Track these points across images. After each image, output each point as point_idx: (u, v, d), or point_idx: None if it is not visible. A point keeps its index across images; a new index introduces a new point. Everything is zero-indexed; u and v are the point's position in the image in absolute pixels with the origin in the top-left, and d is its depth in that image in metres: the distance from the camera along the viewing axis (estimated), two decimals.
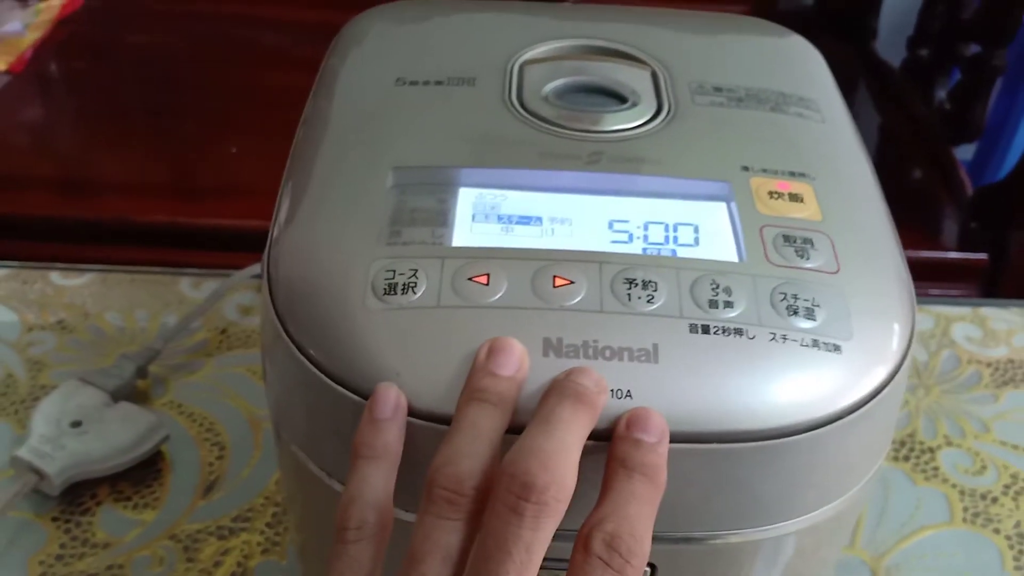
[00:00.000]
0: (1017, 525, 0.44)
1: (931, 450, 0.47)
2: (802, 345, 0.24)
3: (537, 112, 0.30)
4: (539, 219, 0.27)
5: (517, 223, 0.27)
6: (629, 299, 0.24)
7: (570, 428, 0.21)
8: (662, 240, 0.27)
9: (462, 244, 0.25)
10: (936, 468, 0.46)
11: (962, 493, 0.45)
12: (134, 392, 0.47)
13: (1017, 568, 0.42)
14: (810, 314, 0.24)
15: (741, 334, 0.24)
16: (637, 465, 0.21)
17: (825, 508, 0.25)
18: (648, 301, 0.24)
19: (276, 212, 0.28)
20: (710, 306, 0.24)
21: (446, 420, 0.23)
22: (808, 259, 0.26)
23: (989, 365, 0.52)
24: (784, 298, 0.25)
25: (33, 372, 0.49)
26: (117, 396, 0.46)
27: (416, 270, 0.24)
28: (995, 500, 0.45)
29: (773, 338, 0.24)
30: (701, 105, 0.31)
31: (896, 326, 0.25)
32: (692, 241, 0.27)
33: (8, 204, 0.72)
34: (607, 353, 0.23)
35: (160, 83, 0.85)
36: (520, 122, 0.29)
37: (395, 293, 0.24)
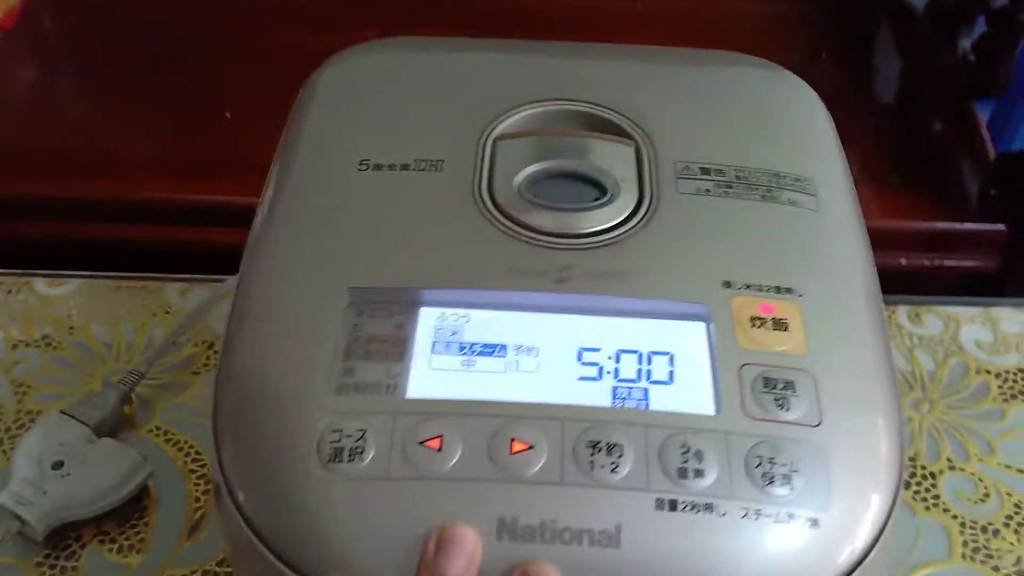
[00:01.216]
0: (1018, 562, 0.43)
1: (933, 475, 0.46)
2: (776, 521, 0.22)
3: (507, 211, 0.27)
4: (503, 347, 0.25)
5: (480, 354, 0.25)
6: (592, 467, 0.23)
7: None
8: (634, 376, 0.25)
9: (416, 394, 0.24)
10: (937, 496, 0.45)
11: (963, 525, 0.44)
12: (119, 421, 0.46)
13: None
14: (787, 481, 0.23)
15: (711, 510, 0.22)
16: None
17: None
18: (612, 470, 0.23)
19: (226, 330, 0.26)
20: (679, 475, 0.23)
21: None
22: (788, 409, 0.24)
23: (998, 376, 0.51)
24: (760, 463, 0.23)
25: (19, 396, 0.48)
26: (100, 430, 0.45)
27: (364, 431, 0.23)
28: (996, 533, 0.44)
29: (746, 514, 0.22)
30: (686, 193, 0.28)
31: (879, 492, 0.23)
32: (666, 377, 0.25)
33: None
34: (566, 536, 0.22)
35: (160, 38, 0.80)
36: (489, 223, 0.27)
37: (341, 460, 0.22)
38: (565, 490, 0.22)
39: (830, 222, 0.29)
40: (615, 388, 0.25)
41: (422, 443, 0.23)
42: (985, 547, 0.43)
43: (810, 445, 0.23)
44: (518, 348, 0.25)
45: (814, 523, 0.22)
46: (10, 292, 0.53)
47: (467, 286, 0.25)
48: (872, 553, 0.23)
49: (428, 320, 0.25)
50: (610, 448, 0.23)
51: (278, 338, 0.25)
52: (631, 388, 0.25)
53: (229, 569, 0.42)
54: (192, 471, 0.45)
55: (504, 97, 0.31)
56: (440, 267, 0.26)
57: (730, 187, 0.29)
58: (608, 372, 0.25)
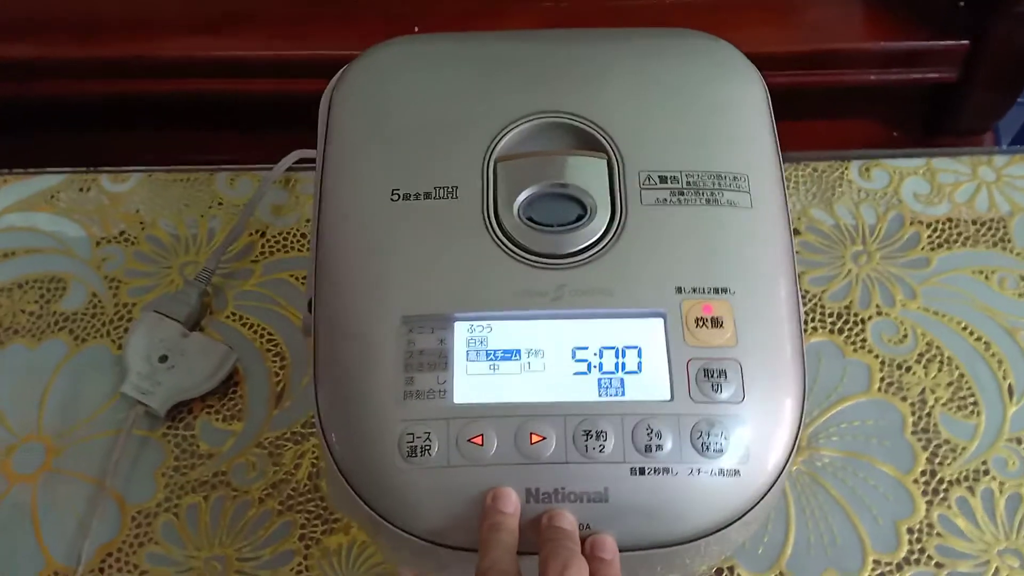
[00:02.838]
0: (922, 392, 0.55)
1: (863, 321, 0.57)
2: (712, 475, 0.34)
3: (512, 236, 0.36)
4: (519, 352, 0.35)
5: (501, 359, 0.35)
6: (587, 449, 0.34)
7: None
8: (613, 368, 0.35)
9: (461, 399, 0.34)
10: (864, 340, 0.56)
11: (882, 363, 0.56)
12: (201, 313, 0.57)
13: (914, 432, 0.54)
14: (719, 447, 0.34)
15: (668, 472, 0.34)
16: (601, 574, 0.32)
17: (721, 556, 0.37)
18: (600, 451, 0.34)
19: (313, 346, 0.36)
20: (646, 450, 0.34)
21: (461, 547, 0.34)
22: (721, 392, 0.34)
23: (929, 226, 0.60)
24: (700, 435, 0.34)
25: (113, 290, 0.59)
26: (188, 323, 0.56)
27: (429, 433, 0.34)
28: (908, 369, 0.55)
29: (691, 472, 0.34)
30: (648, 205, 0.37)
31: (782, 447, 0.34)
32: (636, 368, 0.35)
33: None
34: (571, 497, 0.33)
35: None
36: (498, 248, 0.36)
37: (416, 455, 0.33)
38: (569, 467, 0.34)
39: (761, 219, 0.37)
40: (600, 380, 0.35)
41: (469, 440, 0.34)
42: (898, 382, 0.55)
43: (736, 418, 0.34)
44: (529, 351, 0.35)
45: (736, 473, 0.34)
46: (81, 190, 0.62)
47: (489, 308, 0.35)
48: (773, 487, 0.34)
49: (461, 332, 0.35)
50: (598, 434, 0.34)
51: (354, 356, 0.35)
52: (611, 379, 0.35)
53: (312, 430, 0.54)
54: (268, 351, 0.56)
55: (497, 113, 0.39)
56: (467, 293, 0.35)
57: (682, 194, 0.38)
58: (595, 367, 0.35)
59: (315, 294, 0.37)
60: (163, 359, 0.54)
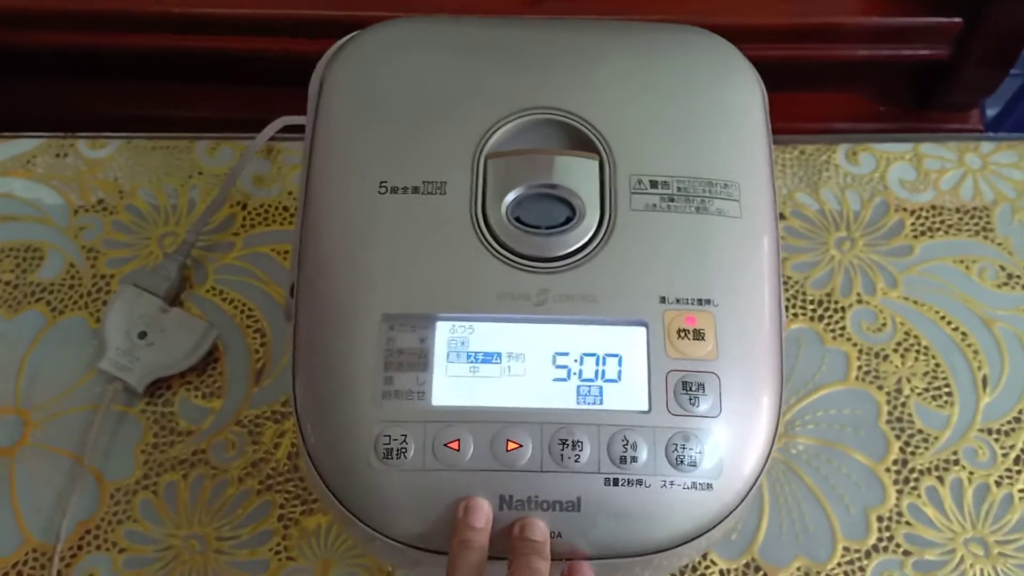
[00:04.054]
0: (898, 382, 0.55)
1: (843, 309, 0.57)
2: (684, 488, 0.34)
3: (498, 237, 0.36)
4: (499, 355, 0.35)
5: (482, 361, 0.35)
6: (562, 459, 0.34)
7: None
8: (593, 376, 0.35)
9: (439, 402, 0.34)
10: (844, 328, 0.57)
11: (860, 352, 0.56)
12: (181, 286, 0.57)
13: (888, 422, 0.54)
14: (693, 462, 0.34)
15: (641, 484, 0.34)
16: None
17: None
18: (575, 460, 0.34)
19: (294, 339, 0.36)
20: (620, 461, 0.34)
21: (432, 550, 0.34)
22: (698, 405, 0.35)
23: (913, 212, 0.60)
24: (675, 448, 0.34)
25: (91, 261, 0.58)
26: (168, 298, 0.56)
27: (406, 435, 0.34)
28: (886, 358, 0.56)
29: (664, 485, 0.34)
30: (637, 210, 0.37)
31: (754, 462, 0.35)
32: (616, 376, 0.35)
33: None
34: (544, 505, 0.34)
35: None
36: (484, 248, 0.36)
37: (392, 458, 0.34)
38: (544, 475, 0.34)
39: (749, 229, 0.37)
40: (579, 387, 0.35)
41: (446, 445, 0.34)
42: (875, 371, 0.56)
43: (710, 433, 0.34)
44: (509, 355, 0.35)
45: (709, 487, 0.34)
46: (58, 155, 0.61)
47: (472, 309, 0.35)
48: (745, 500, 0.35)
49: (443, 332, 0.35)
50: (574, 444, 0.34)
51: (334, 350, 0.35)
52: (590, 386, 0.35)
53: (291, 410, 0.54)
54: (248, 327, 0.56)
55: (490, 107, 0.38)
56: (450, 294, 0.35)
57: (672, 200, 0.37)
58: (575, 373, 0.35)
59: (298, 282, 0.36)
60: (142, 335, 0.54)
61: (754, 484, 0.35)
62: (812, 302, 0.57)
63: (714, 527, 0.34)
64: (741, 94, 0.40)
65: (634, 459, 0.34)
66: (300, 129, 0.43)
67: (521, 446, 0.34)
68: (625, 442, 0.34)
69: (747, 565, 0.50)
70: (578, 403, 0.35)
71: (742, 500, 0.34)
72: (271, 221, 0.59)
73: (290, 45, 0.71)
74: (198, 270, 0.58)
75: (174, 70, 0.74)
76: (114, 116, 0.73)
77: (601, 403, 0.35)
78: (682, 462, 0.34)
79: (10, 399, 0.53)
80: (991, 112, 0.89)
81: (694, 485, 0.34)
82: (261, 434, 0.53)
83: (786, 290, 0.56)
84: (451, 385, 0.35)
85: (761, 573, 0.50)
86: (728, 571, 0.50)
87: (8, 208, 0.59)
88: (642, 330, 0.35)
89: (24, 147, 0.61)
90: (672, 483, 0.34)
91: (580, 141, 0.38)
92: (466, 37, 0.40)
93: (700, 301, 0.35)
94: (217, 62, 0.72)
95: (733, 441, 0.34)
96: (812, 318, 0.56)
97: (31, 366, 0.54)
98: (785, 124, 0.76)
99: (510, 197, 0.37)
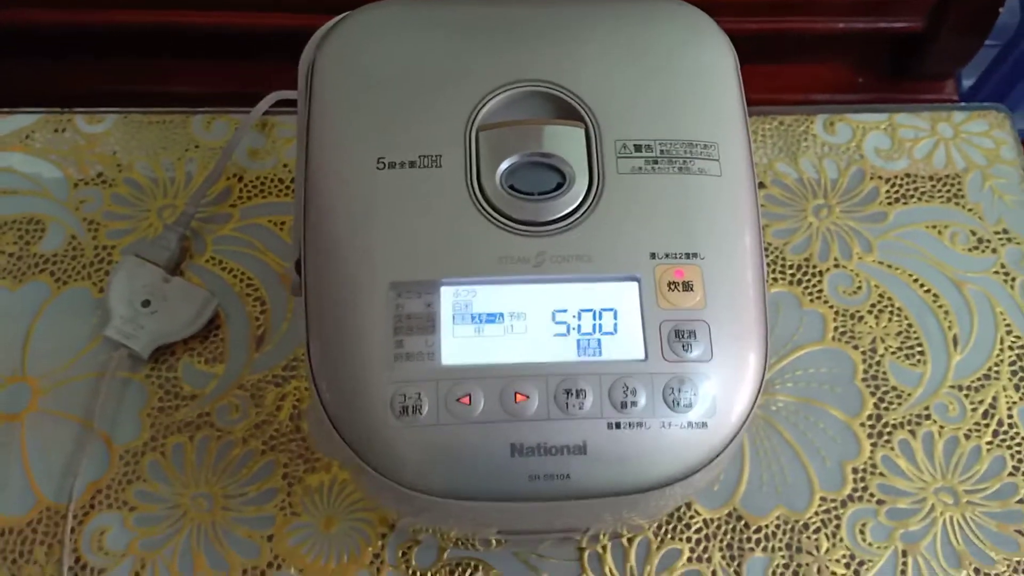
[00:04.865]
0: (873, 341, 0.58)
1: (820, 273, 0.60)
2: (681, 428, 0.36)
3: (495, 204, 0.38)
4: (501, 315, 0.38)
5: (485, 322, 0.37)
6: (567, 407, 0.36)
7: None
8: (591, 330, 0.37)
9: (449, 361, 0.36)
10: (821, 291, 0.59)
11: (836, 313, 0.59)
12: (181, 257, 0.58)
13: (864, 379, 0.57)
14: (688, 404, 0.36)
15: (641, 426, 0.36)
16: None
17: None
18: (579, 408, 0.36)
19: (305, 310, 0.38)
20: (621, 406, 0.36)
21: (447, 496, 0.36)
22: (691, 351, 0.37)
23: (888, 180, 0.63)
24: (671, 392, 0.36)
25: (92, 233, 0.59)
26: (169, 267, 0.57)
27: (419, 393, 0.36)
28: (861, 319, 0.59)
29: (662, 426, 0.36)
30: (624, 173, 0.39)
31: (745, 400, 0.37)
32: (612, 329, 0.37)
33: None
34: (552, 451, 0.36)
35: None
36: (482, 216, 0.38)
37: (407, 414, 0.36)
38: (551, 423, 0.36)
39: (728, 185, 0.39)
40: (579, 341, 0.37)
41: (458, 400, 0.36)
42: (851, 331, 0.58)
43: (704, 376, 0.37)
44: (511, 315, 0.37)
45: (703, 425, 0.37)
46: (56, 131, 0.62)
47: (473, 274, 0.37)
48: (736, 437, 0.37)
49: (448, 297, 0.37)
50: (578, 392, 0.36)
51: (345, 320, 0.37)
52: (589, 339, 0.37)
53: (292, 372, 0.56)
54: (248, 295, 0.58)
55: (479, 81, 0.40)
56: (452, 260, 0.37)
57: (656, 162, 0.39)
58: (574, 328, 0.37)
59: (304, 259, 0.38)
60: (145, 304, 0.55)
61: (745, 423, 0.37)
62: (791, 267, 0.59)
63: (709, 463, 0.36)
64: (715, 60, 0.42)
65: (634, 404, 0.36)
66: (293, 103, 0.44)
67: (528, 397, 0.36)
68: (625, 388, 0.36)
69: (729, 515, 0.53)
70: (579, 355, 0.37)
71: (734, 437, 0.37)
72: (267, 193, 0.61)
73: (282, 20, 0.72)
74: (197, 241, 0.59)
75: (166, 46, 0.75)
76: (107, 92, 0.74)
77: (600, 354, 0.37)
78: (678, 404, 0.36)
79: (17, 367, 0.55)
80: (967, 83, 0.91)
81: (690, 425, 0.36)
82: (263, 397, 0.55)
83: (766, 255, 0.59)
84: (458, 345, 0.37)
85: (743, 522, 0.53)
86: (712, 520, 0.53)
87: (8, 182, 0.60)
88: (634, 284, 0.37)
89: (22, 122, 0.62)
90: (670, 424, 0.36)
91: (566, 110, 0.40)
92: (453, 16, 0.42)
93: (687, 255, 0.38)
94: (209, 38, 0.73)
95: (724, 383, 0.37)
96: (791, 282, 0.59)
97: (37, 335, 0.56)
98: (765, 95, 0.79)
99: (503, 166, 0.39)
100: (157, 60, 0.76)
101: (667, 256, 0.38)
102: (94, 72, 0.75)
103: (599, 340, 0.37)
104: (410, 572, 0.51)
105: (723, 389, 0.37)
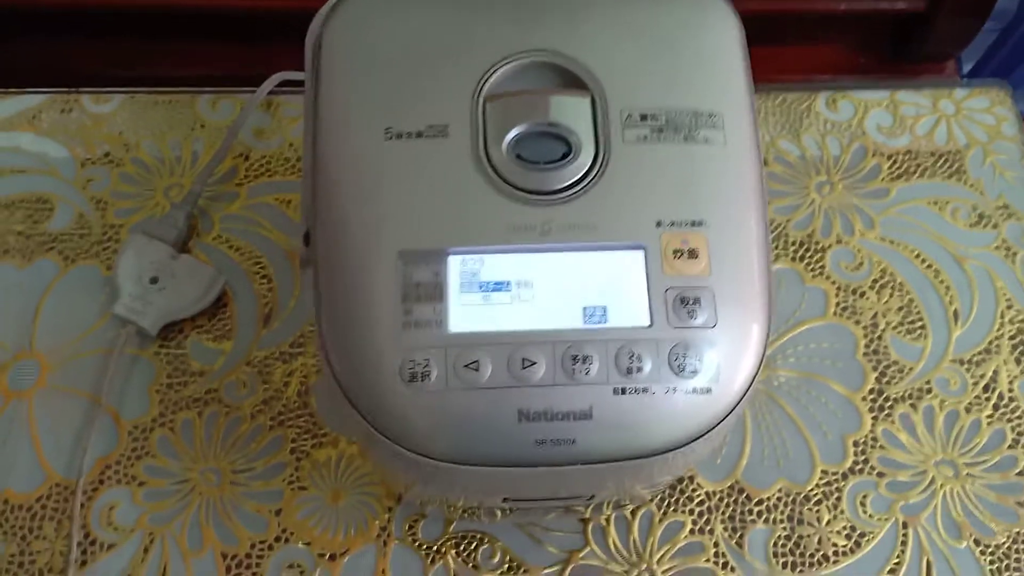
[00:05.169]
0: (874, 316, 0.58)
1: (823, 249, 0.60)
2: (686, 393, 0.37)
3: (503, 174, 0.38)
4: (508, 284, 0.38)
5: (492, 290, 0.38)
6: (573, 373, 0.37)
7: None
8: (597, 297, 0.38)
9: (457, 328, 0.37)
10: (823, 267, 0.60)
11: (839, 289, 0.59)
12: (189, 234, 0.59)
13: (865, 354, 0.57)
14: (693, 369, 0.37)
15: (647, 391, 0.37)
16: None
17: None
18: (586, 373, 0.36)
19: (314, 281, 0.38)
20: (627, 372, 0.37)
21: (458, 462, 0.37)
22: (695, 318, 0.37)
23: (890, 157, 0.63)
24: (677, 358, 0.37)
25: (100, 211, 0.60)
26: (177, 245, 0.58)
27: (428, 359, 0.36)
28: (863, 295, 0.59)
29: (668, 391, 0.37)
30: (629, 143, 0.39)
31: (749, 367, 0.38)
32: (618, 296, 0.38)
33: None
34: (559, 416, 0.36)
35: None
36: (489, 185, 0.38)
37: (416, 380, 0.36)
38: (558, 388, 0.36)
39: (733, 155, 0.40)
40: (585, 308, 0.38)
41: (466, 366, 0.36)
42: (852, 307, 0.59)
43: (708, 341, 0.37)
44: (519, 283, 0.38)
45: (708, 391, 0.37)
46: (63, 111, 0.62)
47: (481, 242, 0.38)
48: (741, 402, 0.38)
49: (455, 265, 0.38)
50: (584, 359, 0.37)
51: (355, 288, 0.37)
52: (595, 307, 0.38)
53: (300, 349, 0.57)
54: (255, 273, 0.58)
55: (485, 53, 0.40)
56: (460, 228, 0.38)
57: (661, 131, 0.40)
58: (580, 296, 0.38)
59: (315, 228, 0.39)
60: (153, 281, 0.56)
61: (749, 389, 0.38)
62: (794, 243, 0.60)
63: (713, 428, 0.37)
64: (720, 31, 0.42)
65: (639, 369, 0.37)
66: (297, 84, 0.45)
67: (535, 363, 0.36)
68: (631, 354, 0.37)
69: (731, 487, 0.53)
70: (585, 323, 0.37)
71: (738, 403, 0.37)
72: (273, 172, 0.61)
73: (285, 2, 0.73)
74: (204, 219, 0.59)
75: (170, 28, 0.75)
76: (111, 75, 0.75)
77: (606, 321, 0.37)
78: (683, 370, 0.37)
79: (26, 344, 0.55)
80: (967, 66, 0.92)
81: (695, 390, 0.37)
82: (271, 374, 0.55)
83: (769, 231, 0.59)
84: (466, 313, 0.37)
85: (744, 494, 0.53)
86: (714, 493, 0.53)
87: (16, 161, 0.61)
88: (640, 253, 0.38)
89: (29, 103, 0.62)
90: (675, 389, 0.37)
91: (572, 80, 0.40)
92: None
93: (692, 223, 0.38)
94: (213, 19, 0.73)
95: (728, 349, 0.37)
96: (793, 258, 0.59)
97: (46, 312, 0.56)
98: (768, 76, 0.79)
99: (510, 136, 0.39)
100: (162, 42, 0.76)
101: (672, 224, 0.38)
102: (99, 54, 0.76)
103: (605, 307, 0.38)
104: (416, 545, 0.51)
105: (727, 355, 0.37)
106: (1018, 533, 0.52)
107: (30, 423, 0.53)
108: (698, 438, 0.37)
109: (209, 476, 0.52)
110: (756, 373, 0.38)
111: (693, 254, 0.38)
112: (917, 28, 0.83)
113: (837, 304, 0.58)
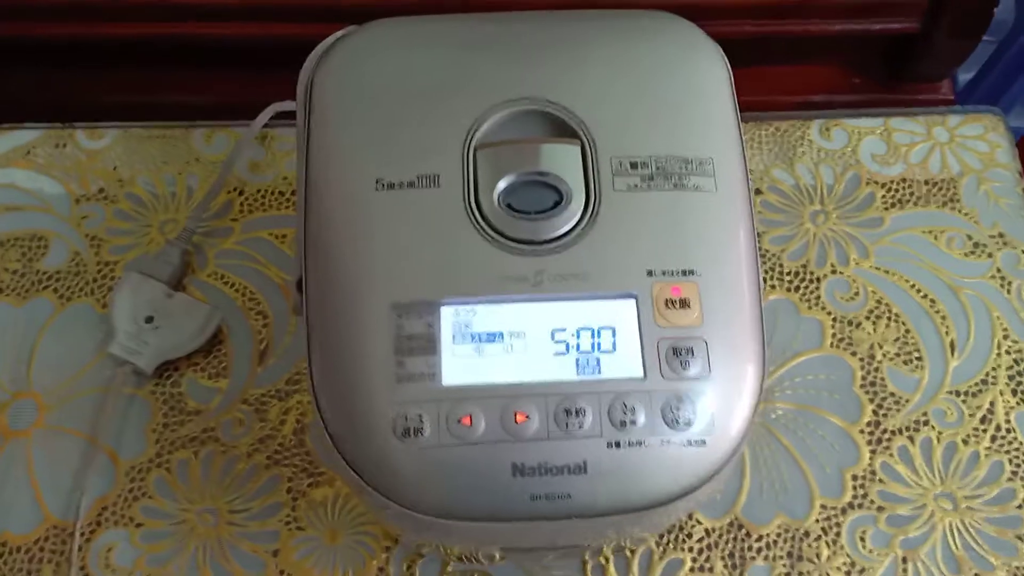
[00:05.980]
0: (871, 348, 0.58)
1: (818, 279, 0.60)
2: (681, 446, 0.37)
3: (493, 224, 0.38)
4: (501, 335, 0.38)
5: (485, 341, 0.38)
6: (567, 427, 0.37)
7: None
8: (590, 348, 0.38)
9: (450, 382, 0.37)
10: (819, 297, 0.60)
11: (835, 320, 0.59)
12: (184, 272, 0.59)
13: (862, 386, 0.57)
14: (687, 421, 0.37)
15: (641, 444, 0.37)
16: None
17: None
18: (579, 427, 0.37)
19: (307, 331, 0.38)
20: (621, 425, 0.37)
21: (450, 517, 0.37)
22: (688, 368, 0.37)
23: (884, 186, 0.63)
24: (670, 410, 0.37)
25: (95, 248, 0.60)
26: (172, 283, 0.58)
27: (421, 415, 0.36)
28: (859, 325, 0.59)
29: (661, 444, 0.37)
30: (620, 191, 0.39)
31: (744, 416, 0.38)
32: (611, 347, 0.38)
33: None
34: (553, 470, 0.36)
35: None
36: (480, 235, 0.38)
37: (409, 436, 0.36)
38: (551, 442, 0.36)
39: (724, 201, 0.40)
40: (578, 359, 0.38)
41: (459, 421, 0.36)
42: (849, 337, 0.59)
43: (702, 393, 0.37)
44: (511, 334, 0.38)
45: (703, 443, 0.37)
46: (57, 146, 0.62)
47: (473, 293, 0.38)
48: (735, 453, 0.38)
49: (448, 316, 0.38)
50: (577, 412, 0.37)
51: (347, 340, 0.37)
52: (588, 358, 0.38)
53: (295, 387, 0.57)
54: (250, 309, 0.58)
55: (476, 100, 0.41)
56: (452, 280, 0.38)
57: (651, 179, 0.40)
58: (572, 347, 0.38)
59: (305, 279, 0.39)
60: (149, 320, 0.56)
61: (743, 438, 0.38)
62: (788, 273, 0.60)
63: (709, 479, 0.37)
64: (708, 74, 0.42)
65: (633, 422, 0.37)
66: (292, 115, 0.45)
67: (528, 417, 0.36)
68: (624, 407, 0.37)
69: (731, 524, 0.53)
70: (578, 374, 0.37)
71: (733, 453, 0.37)
72: (268, 206, 0.61)
73: (279, 30, 0.73)
74: (199, 255, 0.59)
75: (164, 57, 0.75)
76: (105, 104, 0.75)
77: (599, 373, 0.37)
78: (677, 422, 0.37)
79: (23, 383, 0.55)
80: (965, 77, 0.91)
81: (689, 442, 0.37)
82: (267, 411, 0.55)
83: (763, 263, 0.59)
84: (459, 365, 0.37)
85: (744, 531, 0.53)
86: (713, 530, 0.53)
87: (11, 198, 0.61)
88: (632, 302, 0.38)
89: (23, 138, 0.62)
90: (669, 442, 0.37)
91: (562, 128, 0.41)
92: (444, 35, 0.43)
93: (684, 272, 0.38)
94: (206, 48, 0.73)
95: (723, 399, 0.37)
96: (788, 289, 0.59)
97: (42, 352, 0.56)
98: (762, 98, 0.79)
99: (501, 185, 0.39)
100: (154, 71, 0.76)
101: (664, 273, 0.38)
102: (94, 84, 0.76)
103: (598, 358, 0.38)
104: None
105: (721, 406, 0.37)
106: (1018, 568, 0.52)
107: (28, 464, 0.53)
108: (694, 490, 0.37)
109: (206, 517, 0.52)
110: (750, 424, 0.38)
111: (685, 304, 0.38)
112: (911, 48, 0.83)
113: (833, 335, 0.58)
